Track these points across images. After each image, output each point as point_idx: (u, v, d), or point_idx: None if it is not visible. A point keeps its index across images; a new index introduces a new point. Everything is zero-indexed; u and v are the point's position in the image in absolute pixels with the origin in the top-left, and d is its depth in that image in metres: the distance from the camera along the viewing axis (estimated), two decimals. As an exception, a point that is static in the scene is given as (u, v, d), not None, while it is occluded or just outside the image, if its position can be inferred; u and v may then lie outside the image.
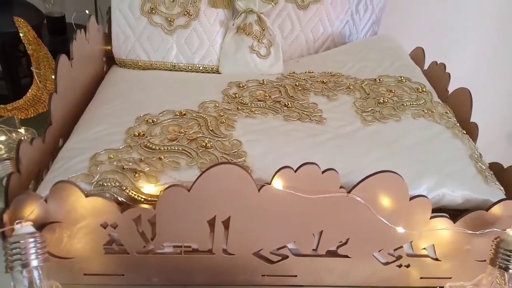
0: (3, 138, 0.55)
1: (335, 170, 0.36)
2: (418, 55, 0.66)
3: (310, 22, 0.72)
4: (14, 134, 0.56)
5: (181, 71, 0.67)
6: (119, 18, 0.65)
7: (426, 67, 0.66)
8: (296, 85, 0.56)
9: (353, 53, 0.69)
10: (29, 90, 0.58)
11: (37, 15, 0.59)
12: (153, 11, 0.65)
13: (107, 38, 0.68)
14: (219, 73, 0.68)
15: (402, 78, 0.58)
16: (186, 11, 0.65)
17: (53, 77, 0.56)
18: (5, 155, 0.51)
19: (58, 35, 0.79)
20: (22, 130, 0.54)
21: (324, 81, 0.57)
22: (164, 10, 0.65)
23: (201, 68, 0.68)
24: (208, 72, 0.68)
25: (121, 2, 0.64)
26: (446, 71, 0.58)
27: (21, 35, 0.55)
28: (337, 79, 0.58)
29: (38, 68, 0.56)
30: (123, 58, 0.67)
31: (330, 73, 0.62)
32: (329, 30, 0.74)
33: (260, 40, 0.67)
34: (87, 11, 0.78)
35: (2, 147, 0.52)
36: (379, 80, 0.57)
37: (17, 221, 0.35)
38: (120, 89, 0.54)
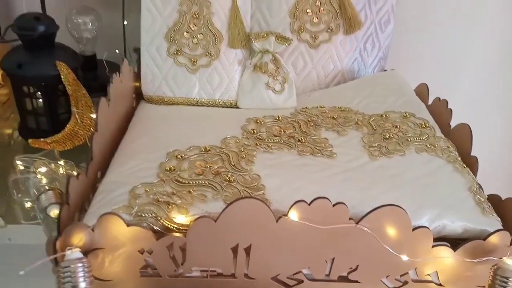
0: (44, 169, 0.61)
1: (344, 203, 0.41)
2: (422, 91, 0.71)
3: (321, 59, 0.78)
4: (53, 165, 0.62)
5: (203, 106, 0.73)
6: (148, 59, 0.72)
7: (430, 101, 0.71)
8: (308, 120, 0.61)
9: (361, 89, 0.74)
10: (67, 125, 0.65)
11: (75, 58, 0.66)
12: (178, 53, 0.72)
13: (136, 76, 0.75)
14: (238, 108, 0.74)
15: (407, 113, 0.62)
16: (208, 52, 0.72)
17: (91, 115, 0.63)
18: (47, 186, 0.57)
19: (89, 71, 0.86)
20: (61, 162, 0.60)
21: (335, 116, 0.62)
22: (188, 52, 0.72)
23: (220, 103, 0.74)
24: (227, 107, 0.74)
25: (150, 45, 0.72)
26: (448, 107, 0.63)
27: (62, 77, 0.62)
28: (347, 114, 0.63)
29: (76, 107, 0.62)
30: (150, 94, 0.73)
31: (340, 108, 0.67)
32: (339, 67, 0.79)
33: (275, 78, 0.73)
34: (117, 51, 0.85)
35: (44, 178, 0.58)
36: (386, 115, 0.62)
37: (67, 248, 0.40)
38: (149, 126, 0.60)
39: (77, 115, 0.60)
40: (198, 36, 0.72)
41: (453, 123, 0.66)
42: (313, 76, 0.80)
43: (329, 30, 0.77)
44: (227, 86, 0.74)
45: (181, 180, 0.47)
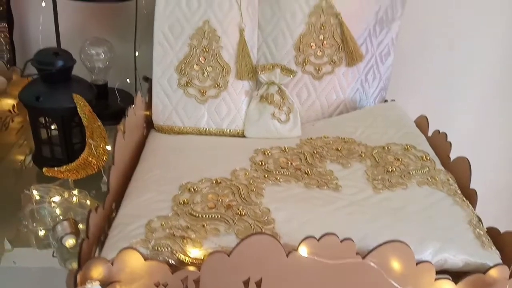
0: (58, 198, 0.63)
1: (351, 239, 0.43)
2: (422, 123, 0.73)
3: (325, 90, 0.81)
4: (67, 195, 0.64)
5: (211, 135, 0.76)
6: (159, 90, 0.75)
7: (430, 133, 0.74)
8: (314, 152, 0.64)
9: (363, 120, 0.77)
10: (81, 155, 0.67)
11: (90, 90, 0.69)
12: (188, 84, 0.74)
13: (147, 105, 0.78)
14: (244, 137, 0.76)
15: (408, 146, 0.65)
16: (216, 84, 0.75)
17: (105, 146, 0.65)
18: (61, 216, 0.59)
19: (101, 99, 0.89)
20: (75, 192, 0.62)
21: (339, 148, 0.65)
22: (197, 83, 0.74)
23: (228, 132, 0.76)
24: (234, 136, 0.77)
25: (161, 77, 0.75)
26: (448, 140, 0.66)
27: (78, 109, 0.65)
28: (350, 146, 0.66)
29: (91, 138, 0.64)
30: (161, 124, 0.76)
31: (343, 139, 0.70)
32: (341, 97, 0.82)
33: (280, 108, 0.76)
34: (128, 80, 0.89)
35: (59, 209, 0.60)
36: (388, 148, 0.65)
37: (88, 281, 0.42)
38: (160, 157, 0.63)
39: (92, 146, 0.63)
40: (207, 68, 0.75)
41: (452, 153, 0.69)
42: (316, 106, 0.83)
43: (332, 63, 0.80)
44: (234, 116, 0.76)
45: (194, 213, 0.49)
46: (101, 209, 0.50)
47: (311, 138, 0.71)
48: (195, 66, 0.74)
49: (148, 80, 0.85)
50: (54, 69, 0.61)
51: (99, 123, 0.66)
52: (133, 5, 0.82)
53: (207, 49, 0.75)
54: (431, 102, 0.99)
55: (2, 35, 0.88)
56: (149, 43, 0.77)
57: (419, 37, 0.97)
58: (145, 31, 0.81)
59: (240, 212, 0.49)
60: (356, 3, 0.79)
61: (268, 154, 0.65)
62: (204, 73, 0.75)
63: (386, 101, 0.88)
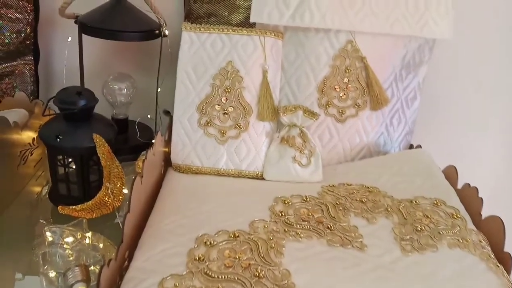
0: (70, 239, 0.62)
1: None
2: (451, 174, 0.70)
3: (348, 133, 0.78)
4: (80, 236, 0.62)
5: (229, 176, 0.74)
6: (179, 129, 0.74)
7: (459, 184, 0.70)
8: (336, 203, 0.61)
9: (388, 166, 0.74)
10: (98, 195, 0.66)
11: (111, 129, 0.68)
12: (209, 124, 0.73)
13: (166, 142, 0.77)
14: (263, 179, 0.74)
15: (438, 201, 0.61)
16: (237, 124, 0.73)
17: (122, 187, 0.64)
18: (74, 261, 0.58)
19: (121, 133, 0.89)
20: (89, 234, 0.61)
21: (363, 200, 0.62)
22: (218, 123, 0.73)
23: (247, 173, 0.74)
24: (253, 178, 0.75)
25: (182, 115, 0.74)
26: (479, 195, 0.62)
27: (97, 150, 0.64)
28: (375, 197, 0.63)
29: (108, 178, 0.63)
30: (179, 163, 0.74)
31: (368, 188, 0.67)
32: (364, 141, 0.80)
33: (302, 151, 0.74)
34: (149, 116, 0.88)
35: (71, 252, 0.58)
36: (416, 202, 0.62)
37: None
38: (177, 202, 0.61)
39: (108, 187, 0.62)
40: (229, 108, 0.74)
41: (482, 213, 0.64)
42: (339, 149, 0.80)
43: (356, 106, 0.78)
44: (254, 157, 0.74)
45: (210, 273, 0.46)
46: (114, 262, 0.48)
47: (333, 185, 0.69)
48: (216, 106, 0.74)
49: (168, 114, 0.85)
50: (76, 109, 0.61)
51: (117, 163, 0.65)
52: (158, 43, 0.83)
53: (229, 90, 0.74)
54: (457, 147, 0.95)
55: (28, 68, 0.89)
56: (171, 79, 0.77)
57: (446, 79, 0.94)
58: (169, 67, 0.82)
59: (259, 274, 0.46)
60: (383, 48, 0.78)
61: (288, 203, 0.62)
62: (225, 113, 0.74)
63: (411, 146, 0.85)
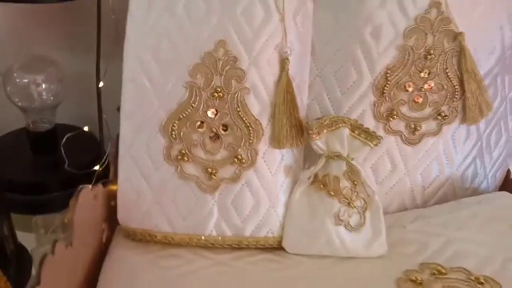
0: None
1: None
2: None
3: (422, 161, 0.47)
4: None
5: (222, 248, 0.44)
6: (130, 167, 0.41)
7: None
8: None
9: (496, 222, 0.45)
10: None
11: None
12: (185, 157, 0.42)
13: (113, 176, 0.46)
14: (282, 249, 0.44)
15: None
16: (237, 157, 0.42)
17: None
18: None
19: (44, 154, 0.56)
20: None
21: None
22: (201, 156, 0.42)
23: (253, 242, 0.44)
24: (264, 247, 0.44)
25: (134, 143, 0.41)
26: None
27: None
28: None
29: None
30: (133, 227, 0.42)
31: (477, 279, 0.38)
32: (446, 173, 0.49)
33: (350, 203, 0.44)
34: (86, 128, 0.56)
35: None
36: None
37: None
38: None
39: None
40: (221, 128, 0.43)
41: None
42: (404, 187, 0.48)
43: (439, 117, 0.47)
44: (266, 213, 0.43)
45: None
46: None
47: (416, 271, 0.40)
48: (198, 124, 0.42)
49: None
50: None
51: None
52: (93, 6, 0.49)
53: (221, 93, 0.42)
54: None
55: None
56: (117, 64, 0.46)
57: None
58: (115, 45, 0.49)
59: None
60: (486, 21, 0.45)
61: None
62: (214, 136, 0.43)
63: (509, 172, 0.55)
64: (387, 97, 0.45)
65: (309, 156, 0.45)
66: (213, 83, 0.41)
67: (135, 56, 0.41)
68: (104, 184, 0.46)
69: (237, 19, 0.41)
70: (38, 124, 0.56)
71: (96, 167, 0.52)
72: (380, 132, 0.46)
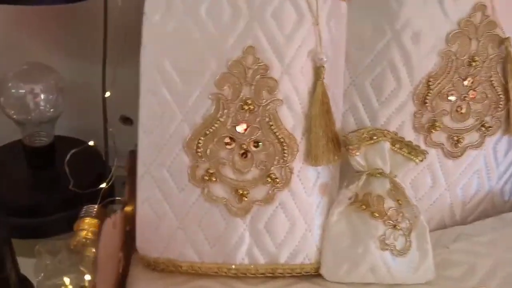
0: None
1: None
2: None
3: (463, 176, 0.43)
4: None
5: (254, 277, 0.38)
6: (150, 188, 0.37)
7: None
8: None
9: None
10: None
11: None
12: (212, 177, 0.37)
13: (128, 195, 0.41)
14: (320, 276, 0.40)
15: None
16: (269, 175, 0.38)
17: None
18: None
19: (42, 170, 0.50)
20: None
21: None
22: (231, 175, 0.37)
23: (288, 269, 0.39)
24: (300, 275, 0.40)
25: (155, 161, 0.36)
26: None
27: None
28: None
29: None
30: (154, 256, 0.38)
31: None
32: (486, 187, 0.45)
33: (396, 225, 0.40)
34: (91, 143, 0.51)
35: None
36: None
37: None
38: None
39: None
40: (251, 145, 0.39)
41: None
42: (444, 203, 0.44)
43: (482, 128, 0.43)
44: (302, 237, 0.39)
45: None
46: None
47: None
48: (225, 140, 0.38)
49: (128, 122, 0.49)
50: None
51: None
52: (99, 9, 0.44)
53: (251, 106, 0.37)
54: None
55: None
56: (129, 71, 0.41)
57: None
58: (124, 49, 0.44)
59: None
60: None
61: None
62: (245, 153, 0.38)
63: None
64: (428, 107, 0.42)
65: (345, 172, 0.42)
66: (242, 94, 0.37)
67: (153, 65, 0.37)
68: (109, 205, 0.42)
69: (267, 22, 0.36)
70: (35, 138, 0.51)
71: (102, 185, 0.48)
72: (421, 145, 0.42)
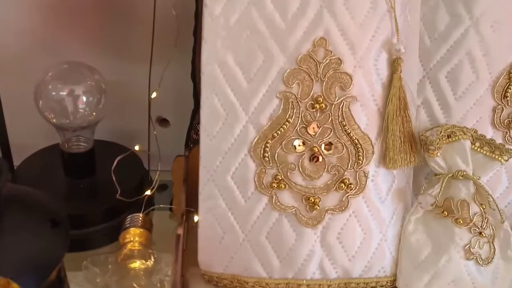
0: None
1: None
2: None
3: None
4: None
5: None
6: (213, 197, 0.33)
7: None
8: None
9: None
10: None
11: (55, 242, 0.27)
12: (281, 184, 0.34)
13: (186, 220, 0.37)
14: None
15: None
16: (343, 181, 0.34)
17: None
18: None
19: (80, 178, 0.46)
20: None
21: None
22: (300, 182, 0.33)
23: (363, 285, 0.35)
24: None
25: (219, 166, 0.32)
26: None
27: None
28: None
29: None
30: (217, 272, 0.35)
31: None
32: None
33: (482, 232, 0.37)
34: (137, 147, 0.47)
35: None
36: None
37: None
38: None
39: None
40: (323, 148, 0.35)
41: None
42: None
43: None
44: (377, 248, 0.35)
45: None
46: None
47: None
48: (296, 142, 0.34)
49: (164, 123, 0.46)
50: None
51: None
52: (148, 4, 0.41)
53: (322, 104, 0.34)
54: None
55: None
56: (179, 72, 0.38)
57: None
58: (174, 48, 0.41)
59: None
60: None
61: None
62: (315, 157, 0.35)
63: None
64: (509, 101, 0.39)
65: (421, 175, 0.38)
66: (312, 91, 0.34)
67: (215, 61, 0.33)
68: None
69: (340, 11, 0.33)
70: (73, 143, 0.48)
71: (147, 192, 0.45)
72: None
